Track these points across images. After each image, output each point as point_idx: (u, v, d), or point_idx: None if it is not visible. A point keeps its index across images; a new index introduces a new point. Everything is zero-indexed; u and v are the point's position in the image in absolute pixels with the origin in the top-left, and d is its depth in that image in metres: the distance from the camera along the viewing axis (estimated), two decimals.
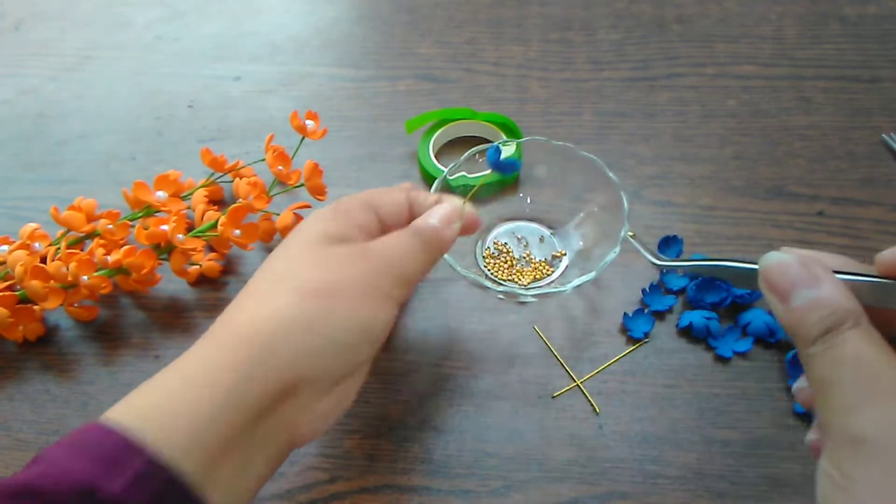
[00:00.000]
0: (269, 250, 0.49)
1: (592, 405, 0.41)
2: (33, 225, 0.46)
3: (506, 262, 0.47)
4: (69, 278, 0.42)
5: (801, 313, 0.24)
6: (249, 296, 0.31)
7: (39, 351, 0.45)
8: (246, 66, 0.63)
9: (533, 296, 0.42)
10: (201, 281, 0.48)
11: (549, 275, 0.46)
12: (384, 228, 0.36)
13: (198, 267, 0.47)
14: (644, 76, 0.60)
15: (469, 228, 0.38)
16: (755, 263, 0.27)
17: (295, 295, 0.30)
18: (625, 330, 0.44)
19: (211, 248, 0.49)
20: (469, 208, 0.37)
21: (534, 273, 0.46)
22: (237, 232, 0.45)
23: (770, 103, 0.57)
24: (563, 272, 0.46)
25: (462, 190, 0.44)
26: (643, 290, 0.45)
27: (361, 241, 0.34)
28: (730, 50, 0.61)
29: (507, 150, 0.49)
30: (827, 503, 0.22)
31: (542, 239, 0.48)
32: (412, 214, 0.38)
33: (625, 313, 0.44)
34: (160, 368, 0.28)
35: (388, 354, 0.43)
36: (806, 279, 0.24)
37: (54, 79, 0.63)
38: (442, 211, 0.36)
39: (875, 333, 0.23)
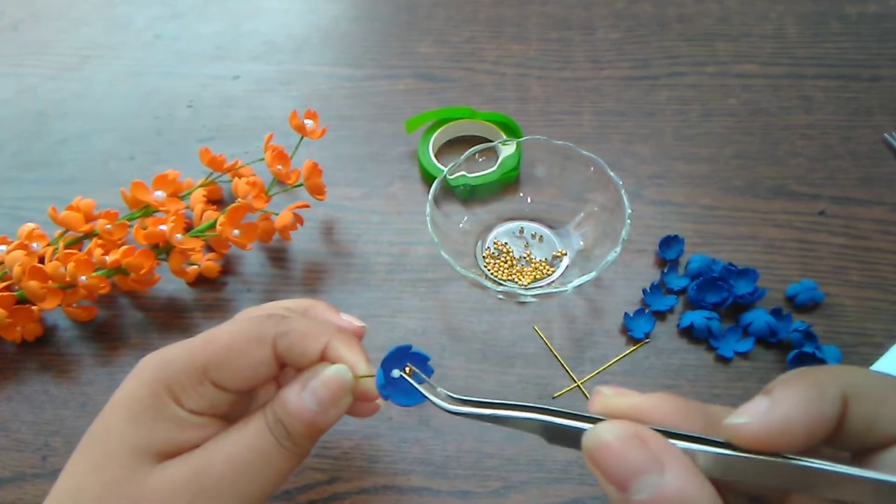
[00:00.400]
0: (268, 250, 0.49)
1: None
2: (31, 225, 0.45)
3: (506, 262, 0.47)
4: (67, 278, 0.42)
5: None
6: None
7: (38, 351, 0.45)
8: (245, 65, 0.63)
9: (533, 296, 0.42)
10: (200, 281, 0.47)
11: (549, 275, 0.46)
12: (241, 395, 0.27)
13: (196, 267, 0.47)
14: (644, 75, 0.59)
15: (360, 412, 0.29)
16: (577, 420, 0.21)
17: None
18: (625, 330, 0.44)
19: (209, 248, 0.48)
20: (348, 374, 0.26)
21: (534, 273, 0.46)
22: (236, 232, 0.45)
23: (771, 102, 0.57)
24: (563, 272, 0.46)
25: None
26: (644, 290, 0.45)
27: (195, 440, 0.26)
28: (730, 49, 0.61)
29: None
30: None
31: (541, 239, 0.48)
32: (287, 362, 0.27)
33: (625, 313, 0.44)
34: None
35: None
36: (647, 464, 0.18)
37: (53, 78, 0.63)
38: (321, 385, 0.25)
39: None
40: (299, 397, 0.26)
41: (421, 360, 0.26)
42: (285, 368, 0.28)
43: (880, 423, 0.19)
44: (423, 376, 0.25)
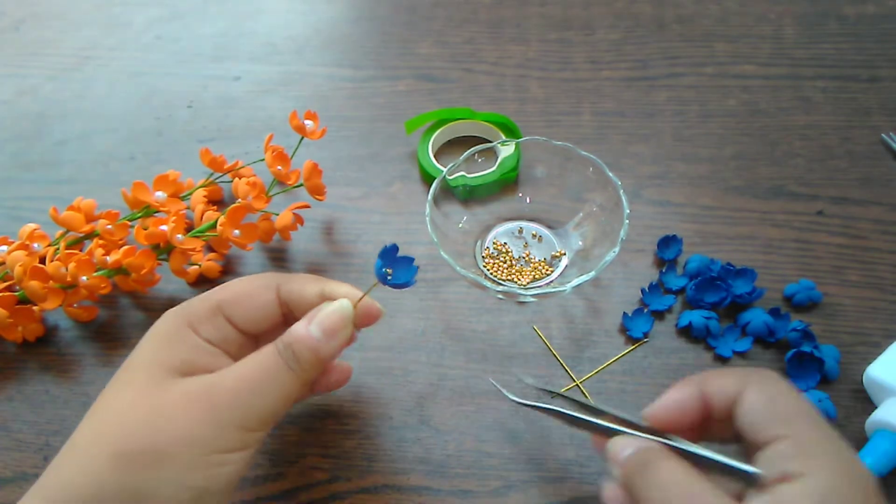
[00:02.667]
0: (269, 250, 0.49)
1: None
2: (32, 225, 0.46)
3: (505, 262, 0.47)
4: (68, 279, 0.42)
5: (627, 459, 0.27)
6: (73, 449, 0.28)
7: (39, 351, 0.45)
8: (245, 66, 0.63)
9: (532, 296, 0.42)
10: (201, 281, 0.48)
11: (548, 275, 0.46)
12: (250, 339, 0.32)
13: (197, 267, 0.47)
14: (643, 76, 0.60)
15: (366, 321, 0.33)
16: (622, 425, 0.29)
17: (115, 461, 0.26)
18: (624, 329, 0.44)
19: (210, 249, 0.49)
20: (367, 301, 0.31)
21: (533, 273, 0.46)
22: (236, 232, 0.45)
23: (769, 103, 0.57)
24: (562, 272, 0.46)
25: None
26: (642, 290, 0.45)
27: (210, 366, 0.29)
28: (729, 49, 0.61)
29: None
30: None
31: (540, 239, 0.48)
32: (290, 312, 0.32)
33: (624, 313, 0.44)
34: None
35: (388, 354, 0.43)
36: (627, 442, 0.28)
37: (54, 79, 0.63)
38: (325, 316, 0.30)
39: (682, 461, 0.25)
40: (307, 329, 0.29)
41: (407, 261, 0.31)
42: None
43: (763, 422, 0.24)
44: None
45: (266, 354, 0.29)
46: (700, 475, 0.24)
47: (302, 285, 0.32)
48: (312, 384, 0.35)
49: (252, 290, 0.31)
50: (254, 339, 0.33)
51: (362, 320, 0.32)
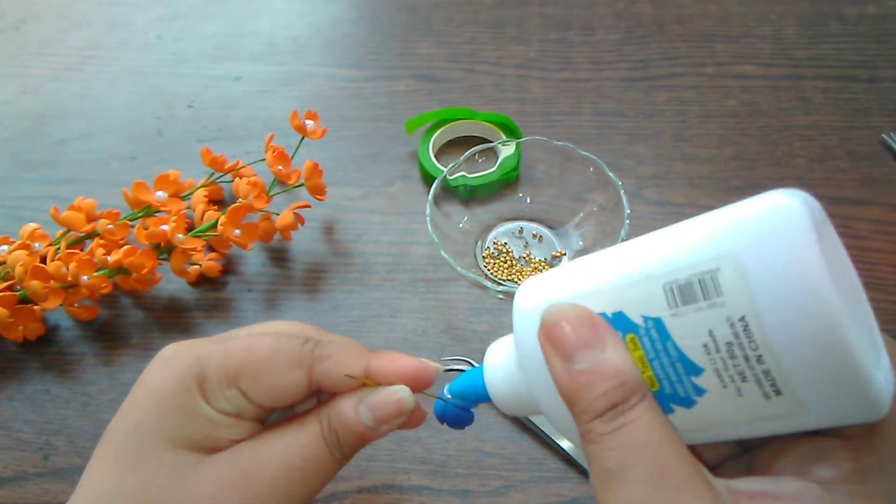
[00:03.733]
0: (269, 250, 0.49)
1: None
2: (33, 225, 0.46)
3: (505, 262, 0.47)
4: (69, 278, 0.42)
5: (586, 378, 0.20)
6: None
7: (39, 351, 0.45)
8: (246, 66, 0.63)
9: None
10: (201, 281, 0.48)
11: None
12: (257, 410, 0.26)
13: (198, 267, 0.47)
14: (644, 76, 0.60)
15: (410, 424, 0.27)
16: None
17: None
18: None
19: (211, 248, 0.49)
20: (410, 398, 0.26)
21: (534, 273, 0.46)
22: (237, 232, 0.45)
23: (770, 103, 0.57)
24: None
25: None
26: None
27: (229, 438, 0.25)
28: (729, 50, 0.61)
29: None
30: None
31: (541, 239, 0.48)
32: (321, 387, 0.26)
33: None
34: None
35: None
36: (592, 341, 0.20)
37: (54, 78, 0.63)
38: (380, 402, 0.25)
39: (659, 409, 0.20)
40: (356, 411, 0.25)
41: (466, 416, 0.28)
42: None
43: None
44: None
45: (310, 437, 0.25)
46: (678, 439, 0.20)
47: (341, 363, 0.26)
48: None
49: (280, 364, 0.25)
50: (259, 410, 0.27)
51: (413, 418, 0.27)
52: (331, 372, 0.26)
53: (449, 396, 0.27)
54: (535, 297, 0.23)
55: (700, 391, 0.20)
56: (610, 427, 0.19)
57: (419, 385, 0.26)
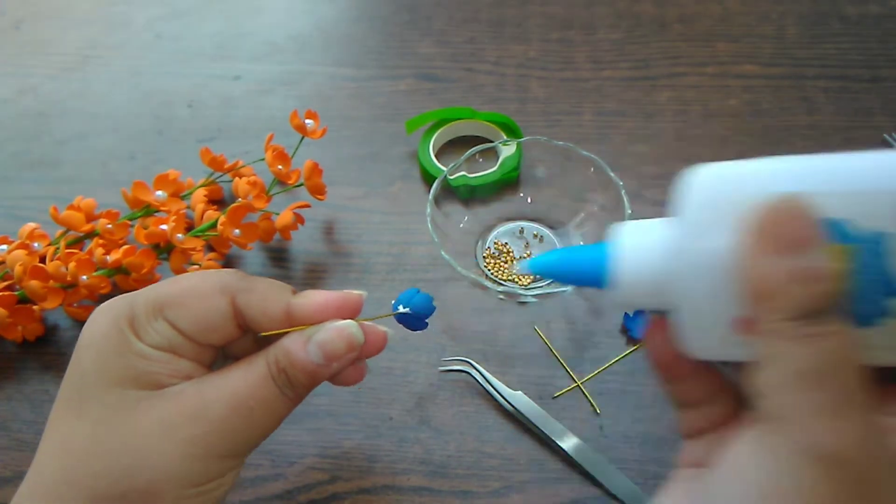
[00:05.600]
0: (269, 250, 0.49)
1: (593, 406, 0.41)
2: (32, 224, 0.45)
3: (506, 262, 0.47)
4: (68, 278, 0.42)
5: (796, 276, 0.19)
6: (41, 485, 0.26)
7: (39, 351, 0.45)
8: (246, 65, 0.63)
9: (533, 296, 0.42)
10: None
11: None
12: (190, 345, 0.26)
13: (197, 267, 0.47)
14: (645, 75, 0.59)
15: (370, 351, 0.28)
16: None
17: None
18: (625, 330, 0.44)
19: (210, 248, 0.49)
20: (370, 326, 0.28)
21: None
22: (237, 231, 0.45)
23: (771, 103, 0.57)
24: None
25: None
26: None
27: (167, 374, 0.25)
28: (731, 49, 0.61)
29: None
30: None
31: (542, 239, 0.48)
32: (246, 326, 0.27)
33: (625, 314, 0.44)
34: None
35: (389, 354, 0.43)
36: (810, 238, 0.19)
37: (54, 78, 0.63)
38: (328, 338, 0.26)
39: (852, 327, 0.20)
40: (305, 350, 0.26)
41: (425, 301, 0.30)
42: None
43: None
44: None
45: (256, 376, 0.26)
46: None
47: (263, 300, 0.26)
48: None
49: (203, 290, 0.26)
50: (195, 349, 0.27)
51: (366, 349, 0.28)
52: (253, 303, 0.26)
53: (403, 309, 0.29)
54: (730, 183, 0.22)
55: (887, 312, 0.19)
56: (813, 330, 0.18)
57: (345, 316, 0.27)
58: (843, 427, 0.18)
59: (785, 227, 0.19)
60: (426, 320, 0.30)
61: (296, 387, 0.26)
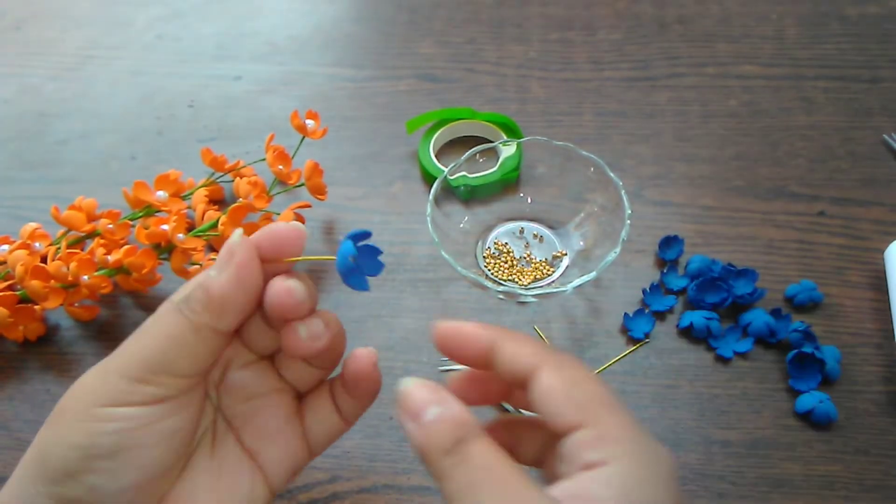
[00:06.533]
0: None
1: None
2: (34, 224, 0.46)
3: (506, 262, 0.47)
4: (69, 278, 0.42)
5: (433, 427, 0.24)
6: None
7: (40, 351, 0.45)
8: (246, 65, 0.63)
9: (533, 296, 0.42)
10: None
11: (549, 275, 0.46)
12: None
13: (198, 267, 0.47)
14: (645, 76, 0.60)
15: (279, 250, 0.26)
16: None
17: (38, 431, 0.26)
18: (625, 330, 0.44)
19: (211, 248, 0.49)
20: (277, 225, 0.26)
21: (534, 273, 0.46)
22: None
23: (771, 103, 0.57)
24: (563, 272, 0.46)
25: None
26: (644, 290, 0.45)
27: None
28: (730, 50, 0.61)
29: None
30: None
31: (542, 239, 0.48)
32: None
33: (625, 313, 0.44)
34: None
35: (389, 354, 0.43)
36: (435, 398, 0.24)
37: (55, 78, 0.63)
38: (220, 252, 0.26)
39: (494, 443, 0.24)
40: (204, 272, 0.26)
41: (373, 252, 0.27)
42: None
43: (561, 410, 0.24)
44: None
45: (161, 310, 0.27)
46: (511, 460, 0.23)
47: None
48: (344, 385, 0.31)
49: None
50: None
51: (271, 250, 0.26)
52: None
53: (351, 259, 0.26)
54: None
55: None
56: (454, 460, 0.23)
57: (280, 243, 0.26)
58: None
59: (412, 396, 0.24)
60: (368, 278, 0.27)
61: (190, 301, 0.26)
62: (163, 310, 0.26)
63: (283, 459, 0.29)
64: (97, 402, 0.25)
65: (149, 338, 0.26)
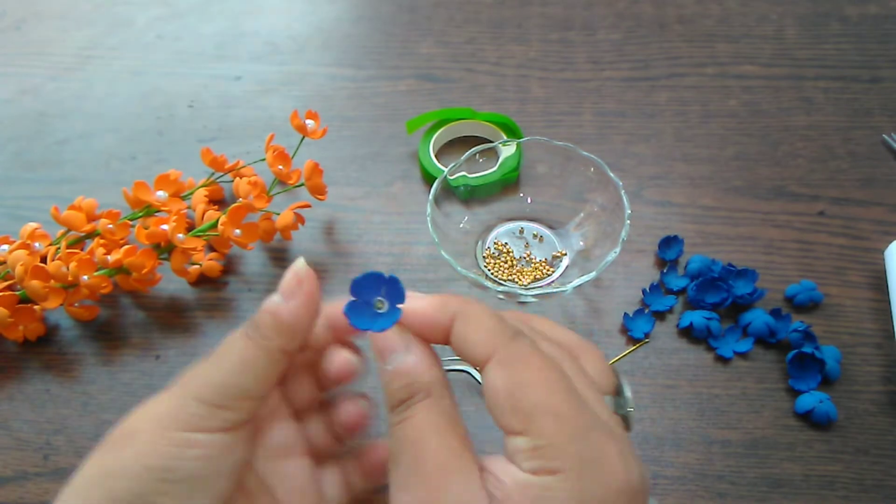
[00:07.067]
0: (270, 250, 0.49)
1: None
2: (33, 224, 0.46)
3: (506, 262, 0.47)
4: (69, 278, 0.42)
5: (388, 378, 0.24)
6: None
7: (40, 350, 0.45)
8: (246, 65, 0.63)
9: (533, 296, 0.42)
10: (201, 280, 0.48)
11: (549, 275, 0.46)
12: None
13: (198, 266, 0.47)
14: (644, 76, 0.60)
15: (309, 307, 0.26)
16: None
17: (96, 451, 0.26)
18: (625, 330, 0.44)
19: (211, 248, 0.49)
20: (302, 264, 0.27)
21: (534, 273, 0.46)
22: (237, 231, 0.45)
23: (771, 103, 0.57)
24: (563, 272, 0.46)
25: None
26: (643, 290, 0.45)
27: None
28: (730, 50, 0.61)
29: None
30: None
31: (542, 239, 0.48)
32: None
33: (625, 313, 0.44)
34: (160, 368, 0.28)
35: None
36: (399, 345, 0.25)
37: (55, 78, 0.63)
38: (283, 280, 0.27)
39: (442, 408, 0.24)
40: (270, 298, 0.27)
41: (393, 285, 0.25)
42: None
43: (504, 412, 0.23)
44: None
45: (231, 337, 0.27)
46: (455, 432, 0.23)
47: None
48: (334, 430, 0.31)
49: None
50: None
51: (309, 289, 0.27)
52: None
53: (381, 306, 0.25)
54: None
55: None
56: (397, 419, 0.24)
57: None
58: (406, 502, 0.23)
59: (381, 338, 0.25)
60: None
61: (260, 327, 0.26)
62: (231, 338, 0.26)
63: None
64: (177, 427, 0.25)
65: (222, 364, 0.26)
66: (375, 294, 0.25)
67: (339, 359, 0.28)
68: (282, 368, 0.27)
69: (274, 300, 0.26)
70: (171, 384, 0.26)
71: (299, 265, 0.27)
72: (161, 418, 0.25)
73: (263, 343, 0.26)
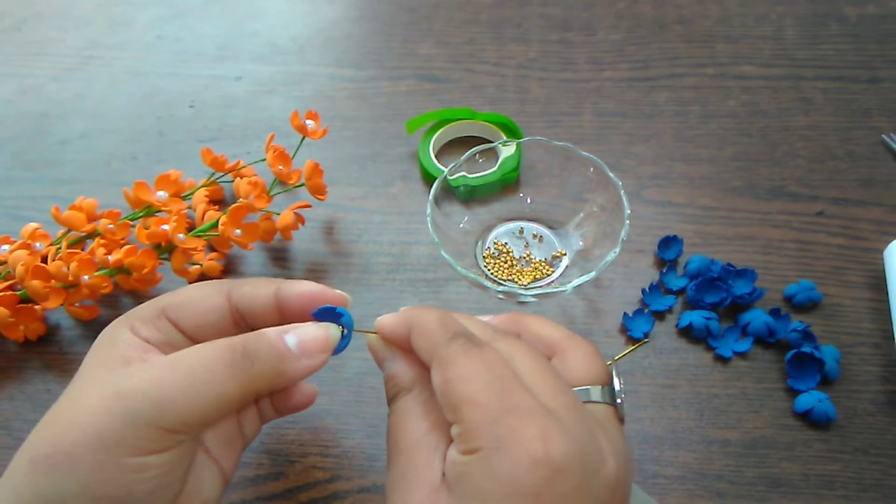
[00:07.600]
0: (270, 250, 0.49)
1: None
2: (34, 224, 0.46)
3: (506, 262, 0.47)
4: (70, 278, 0.42)
5: (384, 380, 0.30)
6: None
7: (40, 350, 0.45)
8: (247, 65, 0.63)
9: (533, 296, 0.42)
10: (202, 280, 0.48)
11: (549, 275, 0.46)
12: (188, 343, 0.29)
13: (198, 267, 0.47)
14: (644, 76, 0.60)
15: (300, 405, 0.34)
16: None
17: (29, 466, 0.24)
18: (624, 330, 0.44)
19: (211, 248, 0.49)
20: (337, 333, 0.30)
21: (534, 273, 0.46)
22: (238, 231, 0.45)
23: (770, 103, 0.57)
24: (563, 272, 0.46)
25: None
26: (643, 290, 0.45)
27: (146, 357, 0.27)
28: (730, 50, 0.61)
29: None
30: None
31: (541, 239, 0.48)
32: (243, 319, 0.30)
33: (624, 313, 0.44)
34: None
35: None
36: (387, 355, 0.30)
37: (55, 78, 0.63)
38: (307, 333, 0.28)
39: (420, 400, 0.28)
40: (278, 334, 0.28)
41: (345, 317, 0.31)
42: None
43: (442, 404, 0.27)
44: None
45: (212, 345, 0.26)
46: (421, 423, 0.27)
47: (254, 289, 0.29)
48: (274, 404, 0.33)
49: (200, 294, 0.29)
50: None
51: (306, 398, 0.34)
52: (245, 294, 0.29)
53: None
54: None
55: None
56: (389, 411, 0.29)
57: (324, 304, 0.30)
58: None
59: (374, 348, 0.31)
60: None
61: (252, 358, 0.26)
62: (210, 360, 0.25)
63: (235, 457, 0.31)
64: (127, 452, 0.24)
65: (192, 392, 0.25)
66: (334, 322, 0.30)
67: (307, 389, 0.33)
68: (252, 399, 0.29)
69: (288, 344, 0.28)
70: (104, 391, 0.24)
71: (334, 333, 0.30)
72: (104, 442, 0.23)
73: (247, 379, 0.26)
